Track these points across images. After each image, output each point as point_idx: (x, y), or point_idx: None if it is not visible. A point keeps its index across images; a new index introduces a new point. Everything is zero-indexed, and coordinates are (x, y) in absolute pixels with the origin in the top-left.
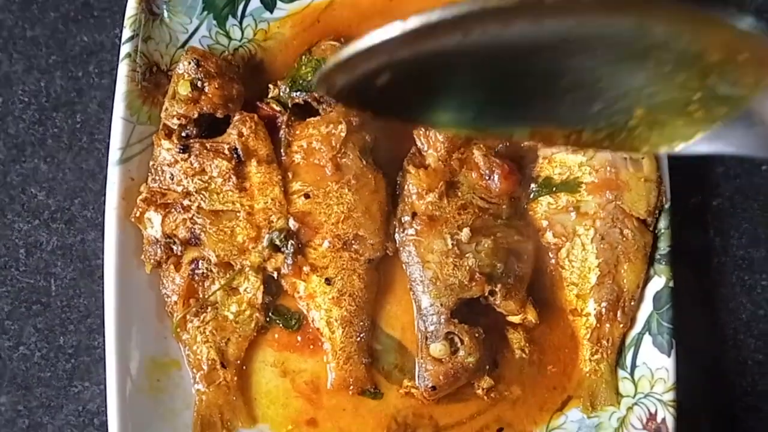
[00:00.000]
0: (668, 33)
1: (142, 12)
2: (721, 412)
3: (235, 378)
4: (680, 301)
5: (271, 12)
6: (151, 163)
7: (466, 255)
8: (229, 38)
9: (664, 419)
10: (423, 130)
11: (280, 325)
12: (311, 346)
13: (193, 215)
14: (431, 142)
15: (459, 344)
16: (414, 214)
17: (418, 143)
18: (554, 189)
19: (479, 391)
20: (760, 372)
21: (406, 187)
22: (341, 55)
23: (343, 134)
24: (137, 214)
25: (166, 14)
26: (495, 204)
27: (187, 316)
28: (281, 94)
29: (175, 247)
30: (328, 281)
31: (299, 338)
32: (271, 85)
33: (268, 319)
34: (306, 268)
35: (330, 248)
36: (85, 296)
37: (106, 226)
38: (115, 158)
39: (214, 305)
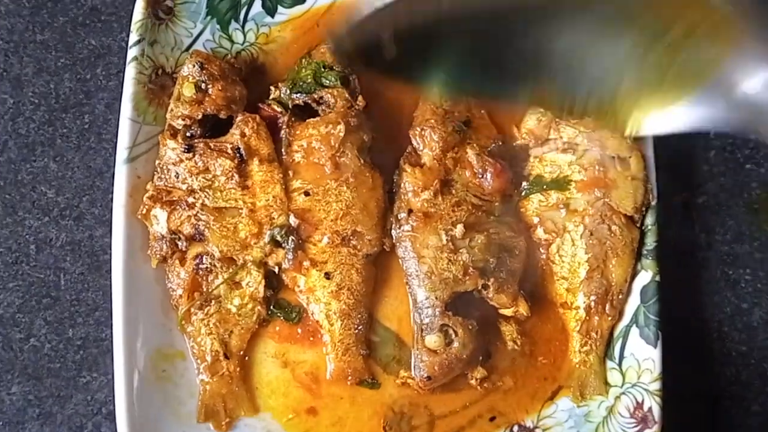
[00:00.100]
0: (638, 10)
1: (149, 17)
2: (705, 401)
3: (238, 368)
4: (666, 295)
5: (273, 17)
6: (157, 162)
7: (460, 250)
8: (232, 42)
9: (650, 408)
10: (419, 129)
11: (281, 317)
12: (311, 338)
13: (198, 212)
14: (427, 142)
15: (453, 336)
16: (410, 211)
17: (414, 143)
18: (545, 187)
19: (473, 381)
20: (744, 363)
21: (402, 184)
22: (350, 22)
23: (341, 134)
24: (144, 211)
25: (171, 19)
26: (488, 201)
27: (192, 309)
28: (282, 95)
29: (180, 243)
30: (327, 275)
31: (299, 330)
32: (272, 87)
33: (269, 312)
34: (306, 263)
35: (329, 244)
36: (93, 290)
37: (114, 222)
38: (122, 157)
39: (218, 299)
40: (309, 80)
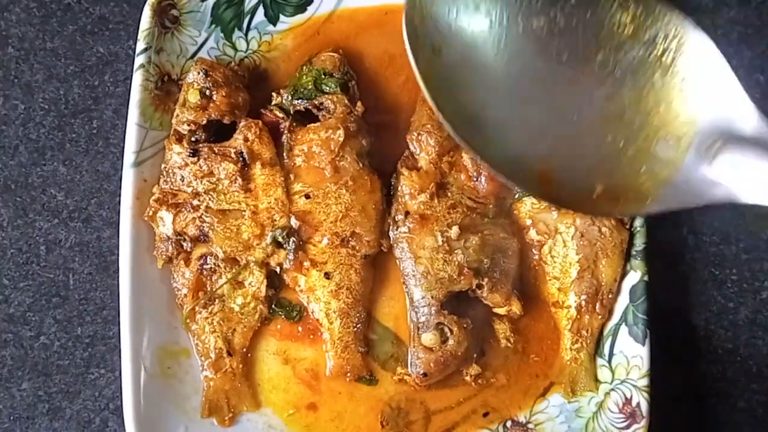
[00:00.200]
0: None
1: (155, 26)
2: (692, 398)
3: (241, 365)
4: (655, 294)
5: (275, 25)
6: (162, 165)
7: (455, 251)
8: (236, 49)
9: (638, 404)
10: (416, 134)
11: (282, 316)
12: (311, 336)
13: (202, 214)
14: (423, 146)
15: (448, 334)
16: (407, 213)
17: (411, 147)
18: None
19: (467, 378)
20: (730, 360)
21: (399, 187)
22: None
23: (341, 139)
24: (150, 213)
25: (177, 28)
26: (482, 204)
27: (196, 308)
28: (284, 101)
29: (185, 244)
30: (327, 275)
31: (300, 329)
32: (274, 93)
33: (271, 310)
34: (306, 263)
35: (329, 245)
36: (101, 290)
37: (121, 224)
38: (129, 161)
39: (221, 298)
40: (310, 87)
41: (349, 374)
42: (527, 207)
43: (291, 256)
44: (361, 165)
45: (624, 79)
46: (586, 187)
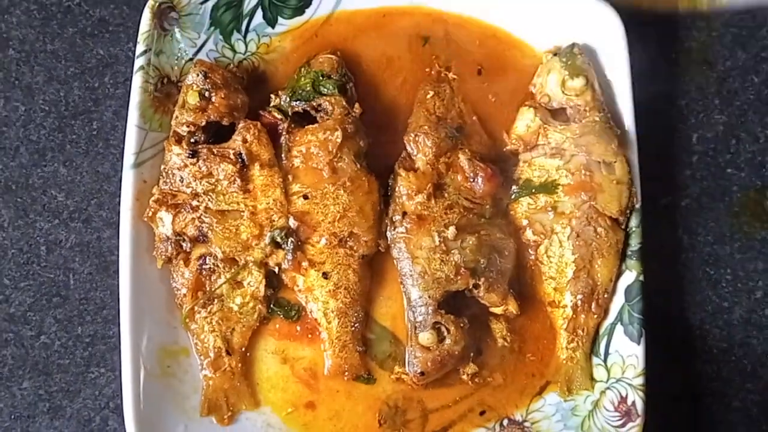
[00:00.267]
0: None
1: (155, 28)
2: (687, 396)
3: (240, 364)
4: (650, 294)
5: (273, 27)
6: (162, 166)
7: (452, 251)
8: (234, 52)
9: (634, 402)
10: (413, 135)
11: (281, 315)
12: (309, 336)
13: (201, 215)
14: (420, 147)
15: (445, 333)
16: (404, 214)
17: (408, 148)
18: (534, 190)
19: (464, 377)
20: (724, 359)
21: (396, 188)
22: None
23: (338, 140)
24: (150, 214)
25: (176, 30)
26: (479, 204)
27: (195, 308)
28: (282, 103)
29: (184, 244)
30: (325, 275)
31: (298, 328)
32: (272, 95)
33: (269, 310)
34: (305, 264)
35: (327, 245)
36: (101, 290)
37: (121, 224)
38: (129, 162)
39: (220, 297)
40: (308, 88)
41: (347, 373)
42: (523, 207)
43: (289, 256)
44: (358, 166)
45: None
46: None
